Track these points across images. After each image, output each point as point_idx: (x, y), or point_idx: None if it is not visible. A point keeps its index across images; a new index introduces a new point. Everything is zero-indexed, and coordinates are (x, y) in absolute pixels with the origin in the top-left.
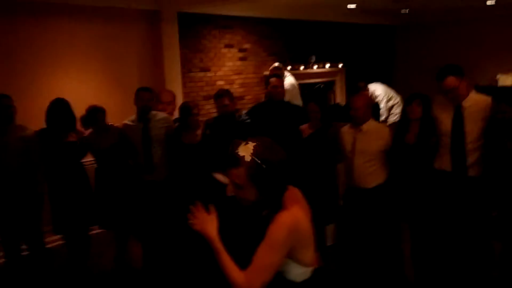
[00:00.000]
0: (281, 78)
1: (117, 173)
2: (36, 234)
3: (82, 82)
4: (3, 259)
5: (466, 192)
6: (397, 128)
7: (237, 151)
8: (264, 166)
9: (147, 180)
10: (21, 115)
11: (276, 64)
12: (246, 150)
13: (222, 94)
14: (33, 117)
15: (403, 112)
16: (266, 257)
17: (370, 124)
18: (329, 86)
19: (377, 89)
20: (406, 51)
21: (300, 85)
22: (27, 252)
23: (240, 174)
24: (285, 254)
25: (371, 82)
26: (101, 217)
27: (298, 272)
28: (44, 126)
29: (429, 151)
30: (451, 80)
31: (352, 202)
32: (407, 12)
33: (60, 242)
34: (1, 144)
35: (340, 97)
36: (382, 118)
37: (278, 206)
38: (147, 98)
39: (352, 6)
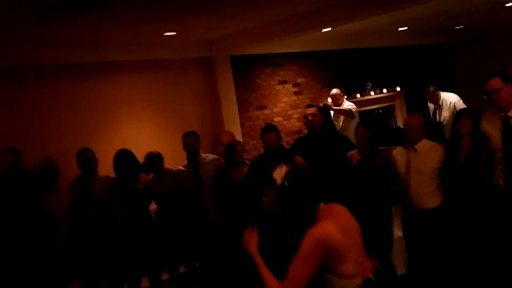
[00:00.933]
0: (312, 107)
1: (177, 216)
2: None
3: (143, 130)
4: None
5: None
6: (449, 146)
7: (272, 172)
8: (289, 188)
9: (204, 221)
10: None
11: (334, 90)
12: (279, 174)
13: (268, 129)
14: (101, 167)
15: (453, 128)
16: (298, 268)
17: (423, 144)
18: (389, 111)
19: (451, 97)
20: (464, 68)
21: (358, 113)
22: None
23: (271, 194)
24: (317, 265)
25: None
26: (166, 260)
27: (341, 285)
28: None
29: (482, 167)
30: (495, 81)
31: (413, 225)
32: (462, 28)
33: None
34: (86, 194)
35: (401, 121)
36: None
37: (310, 220)
38: (192, 142)
39: (403, 28)
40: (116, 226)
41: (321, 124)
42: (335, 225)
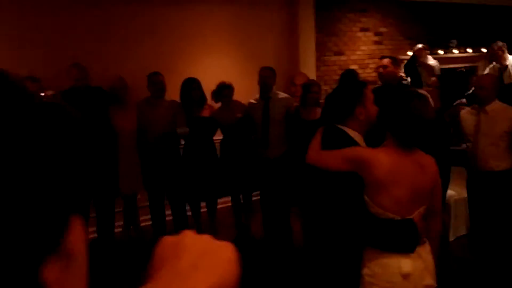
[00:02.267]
0: (388, 58)
1: (240, 147)
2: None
3: (219, 62)
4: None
5: None
6: None
7: None
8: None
9: (263, 157)
10: (168, 91)
11: (420, 45)
12: None
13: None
14: (175, 92)
15: None
16: (333, 156)
17: (495, 105)
18: (472, 72)
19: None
20: None
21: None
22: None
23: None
24: (347, 168)
25: None
26: (227, 186)
27: (374, 211)
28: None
29: None
30: None
31: (478, 187)
32: None
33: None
34: (154, 117)
35: None
36: None
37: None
38: (266, 75)
39: None
40: (178, 152)
41: (394, 76)
42: (390, 160)
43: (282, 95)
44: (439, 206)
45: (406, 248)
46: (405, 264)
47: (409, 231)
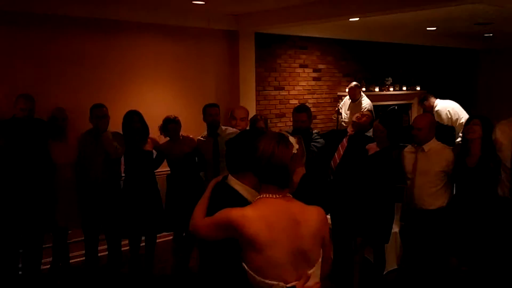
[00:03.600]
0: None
1: (187, 182)
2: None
3: (162, 95)
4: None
5: None
6: (459, 150)
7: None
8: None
9: None
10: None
11: (353, 83)
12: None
13: (301, 110)
14: (117, 124)
15: (463, 133)
16: (207, 226)
17: (432, 145)
18: (405, 109)
19: (448, 104)
20: (489, 76)
21: (374, 106)
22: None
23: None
24: (221, 236)
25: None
26: (169, 222)
27: (250, 278)
28: None
29: (490, 175)
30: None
31: (412, 223)
32: (491, 35)
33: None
34: (96, 150)
35: None
36: (458, 139)
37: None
38: (215, 113)
39: (432, 28)
40: (119, 186)
41: (367, 128)
42: (259, 216)
43: (230, 129)
44: (329, 255)
45: None
46: None
47: None
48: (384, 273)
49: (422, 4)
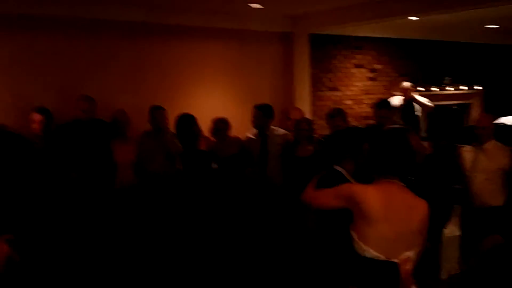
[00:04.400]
0: (383, 108)
1: (235, 181)
2: None
3: (217, 96)
4: None
5: None
6: None
7: None
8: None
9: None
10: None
11: (406, 84)
12: None
13: (334, 114)
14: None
15: None
16: (325, 195)
17: (492, 144)
18: (464, 109)
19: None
20: None
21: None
22: None
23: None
24: (337, 203)
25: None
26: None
27: (358, 247)
28: None
29: None
30: None
31: (472, 223)
32: None
33: None
34: (157, 148)
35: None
36: None
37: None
38: (255, 116)
39: (492, 26)
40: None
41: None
42: (378, 195)
43: (279, 131)
44: (421, 247)
45: None
46: None
47: (390, 274)
48: (445, 277)
49: (482, 3)
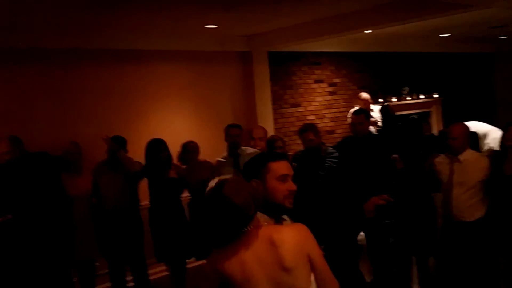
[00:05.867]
0: (363, 113)
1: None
2: (141, 264)
3: (179, 120)
4: None
5: None
6: (495, 158)
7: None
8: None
9: None
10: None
11: (365, 95)
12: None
13: (306, 129)
14: (135, 153)
15: (502, 139)
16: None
17: (467, 154)
18: (424, 118)
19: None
20: (506, 78)
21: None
22: (132, 284)
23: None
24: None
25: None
26: (196, 248)
27: None
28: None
29: None
30: None
31: (451, 236)
32: (505, 37)
33: (162, 273)
34: (113, 179)
35: (436, 128)
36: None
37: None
38: (236, 134)
39: (446, 35)
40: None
41: (366, 131)
42: (233, 256)
43: (249, 150)
44: (328, 275)
45: None
46: None
47: None
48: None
49: (434, 13)
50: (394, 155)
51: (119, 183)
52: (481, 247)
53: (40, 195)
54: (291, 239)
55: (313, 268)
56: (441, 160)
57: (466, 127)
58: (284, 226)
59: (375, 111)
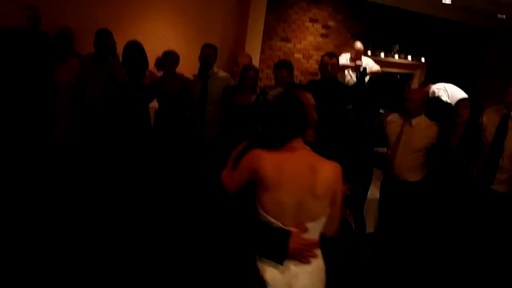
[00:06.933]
0: (336, 57)
1: (174, 120)
2: None
3: (165, 29)
4: None
5: (490, 206)
6: (442, 129)
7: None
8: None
9: (199, 135)
10: None
11: (359, 45)
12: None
13: (282, 65)
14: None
15: (451, 114)
16: (234, 174)
17: (420, 119)
18: (407, 79)
19: (442, 90)
20: (495, 58)
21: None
22: None
23: None
24: (245, 179)
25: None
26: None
27: (260, 213)
28: None
29: (469, 158)
30: None
31: (390, 192)
32: (503, 17)
33: None
34: (96, 75)
35: None
36: None
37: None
38: (209, 53)
39: (447, 1)
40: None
41: (335, 74)
42: (275, 160)
43: (221, 73)
44: (337, 215)
45: (274, 257)
46: (268, 272)
47: (279, 242)
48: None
49: None
50: (348, 106)
51: (101, 80)
52: (417, 208)
53: (31, 75)
54: (329, 173)
55: (331, 203)
56: (393, 120)
57: (426, 94)
58: (326, 160)
59: (364, 64)
